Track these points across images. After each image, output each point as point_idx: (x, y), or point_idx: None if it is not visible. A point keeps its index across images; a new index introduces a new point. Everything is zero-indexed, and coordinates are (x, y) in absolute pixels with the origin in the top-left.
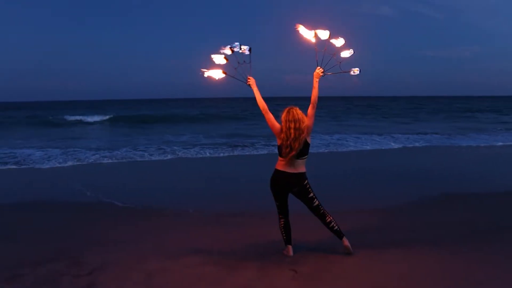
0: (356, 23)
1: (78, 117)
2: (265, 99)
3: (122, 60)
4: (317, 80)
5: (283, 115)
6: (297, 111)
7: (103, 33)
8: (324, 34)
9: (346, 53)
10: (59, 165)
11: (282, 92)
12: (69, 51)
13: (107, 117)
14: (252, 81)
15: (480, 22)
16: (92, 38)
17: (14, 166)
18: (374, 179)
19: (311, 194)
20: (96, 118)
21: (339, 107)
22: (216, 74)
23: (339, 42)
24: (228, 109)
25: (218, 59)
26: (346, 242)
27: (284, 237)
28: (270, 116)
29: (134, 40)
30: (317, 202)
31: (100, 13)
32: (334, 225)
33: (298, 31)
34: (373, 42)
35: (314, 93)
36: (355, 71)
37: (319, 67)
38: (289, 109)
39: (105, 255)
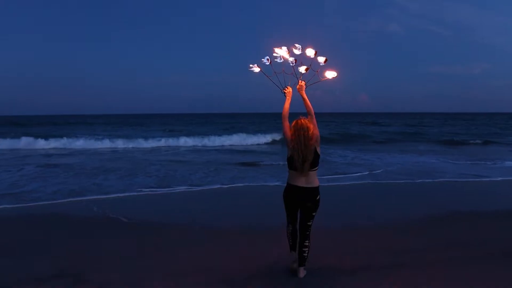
0: (364, 40)
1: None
2: (274, 115)
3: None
4: (303, 92)
5: (292, 125)
6: (304, 121)
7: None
8: (310, 52)
9: (330, 74)
10: None
11: (290, 109)
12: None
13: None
14: (289, 92)
15: (490, 39)
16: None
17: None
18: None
19: (315, 213)
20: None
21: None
22: (256, 69)
23: (321, 59)
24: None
25: (253, 67)
26: (301, 272)
27: (290, 243)
28: (286, 124)
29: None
30: (311, 223)
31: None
32: (306, 251)
33: (276, 53)
34: (381, 59)
35: (308, 104)
36: (333, 75)
37: (300, 80)
38: (297, 120)
39: (109, 272)
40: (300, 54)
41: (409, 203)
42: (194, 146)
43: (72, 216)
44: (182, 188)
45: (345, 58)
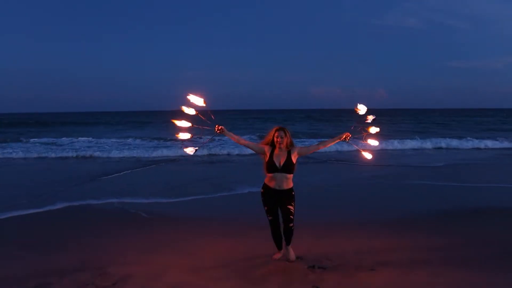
0: (381, 35)
1: None
2: (292, 111)
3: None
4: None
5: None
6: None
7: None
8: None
9: (373, 129)
10: None
11: (307, 105)
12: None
13: None
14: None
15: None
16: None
17: None
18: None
19: None
20: None
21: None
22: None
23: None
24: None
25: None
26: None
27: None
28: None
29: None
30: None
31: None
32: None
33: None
34: (399, 54)
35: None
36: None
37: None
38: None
39: (129, 266)
40: None
41: (429, 200)
42: None
43: (94, 212)
44: None
45: (363, 53)
